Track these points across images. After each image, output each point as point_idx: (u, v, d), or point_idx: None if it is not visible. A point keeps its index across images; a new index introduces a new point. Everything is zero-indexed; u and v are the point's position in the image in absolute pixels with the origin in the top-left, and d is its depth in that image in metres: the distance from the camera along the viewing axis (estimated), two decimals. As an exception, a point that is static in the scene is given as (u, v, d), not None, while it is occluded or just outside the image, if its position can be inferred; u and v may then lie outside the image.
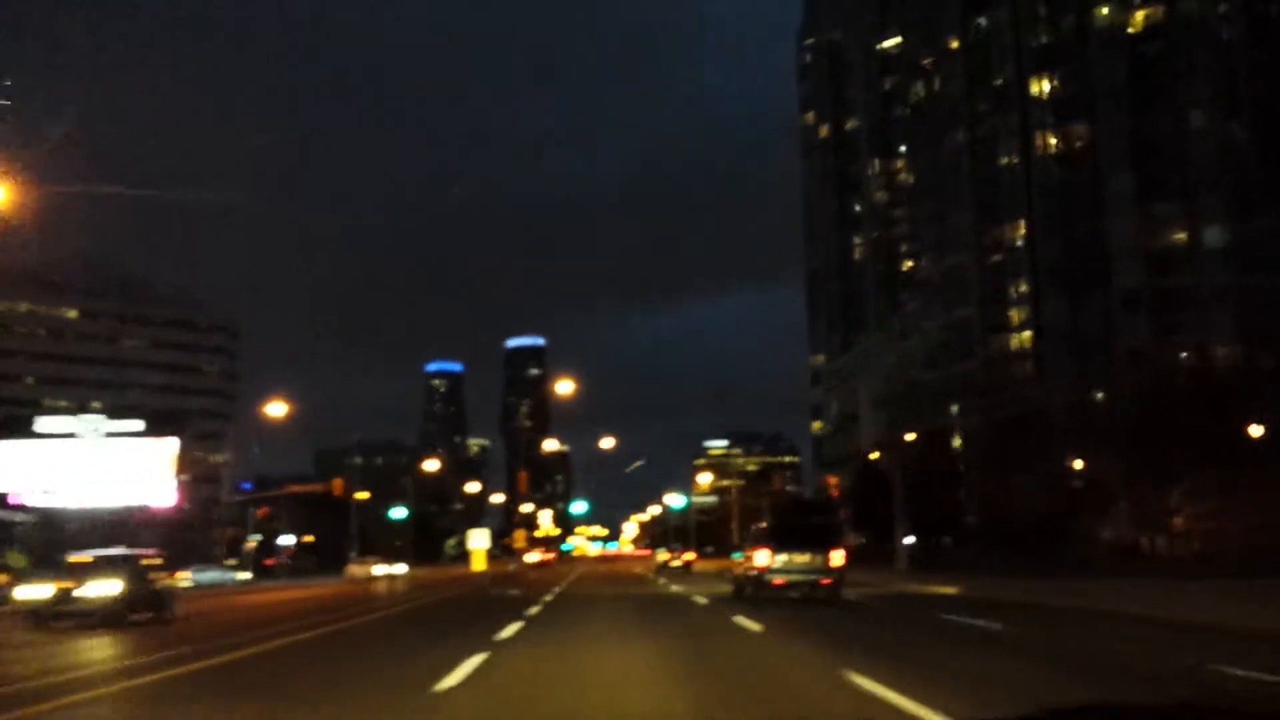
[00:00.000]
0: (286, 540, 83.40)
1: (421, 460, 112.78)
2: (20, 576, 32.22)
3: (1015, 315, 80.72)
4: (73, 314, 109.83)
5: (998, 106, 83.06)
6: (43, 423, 60.44)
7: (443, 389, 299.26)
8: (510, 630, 16.86)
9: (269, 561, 77.64)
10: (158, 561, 24.57)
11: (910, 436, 57.08)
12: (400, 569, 71.79)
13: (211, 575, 57.97)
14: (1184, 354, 58.96)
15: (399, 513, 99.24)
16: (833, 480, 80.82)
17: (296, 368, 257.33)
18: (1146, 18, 77.02)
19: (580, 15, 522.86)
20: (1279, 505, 35.25)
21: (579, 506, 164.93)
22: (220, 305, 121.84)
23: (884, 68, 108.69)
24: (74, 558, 23.34)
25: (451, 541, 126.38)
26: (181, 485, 60.99)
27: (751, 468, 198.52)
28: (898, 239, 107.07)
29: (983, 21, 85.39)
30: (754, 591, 25.21)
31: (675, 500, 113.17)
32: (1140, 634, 16.33)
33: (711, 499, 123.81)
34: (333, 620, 21.05)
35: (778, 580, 24.52)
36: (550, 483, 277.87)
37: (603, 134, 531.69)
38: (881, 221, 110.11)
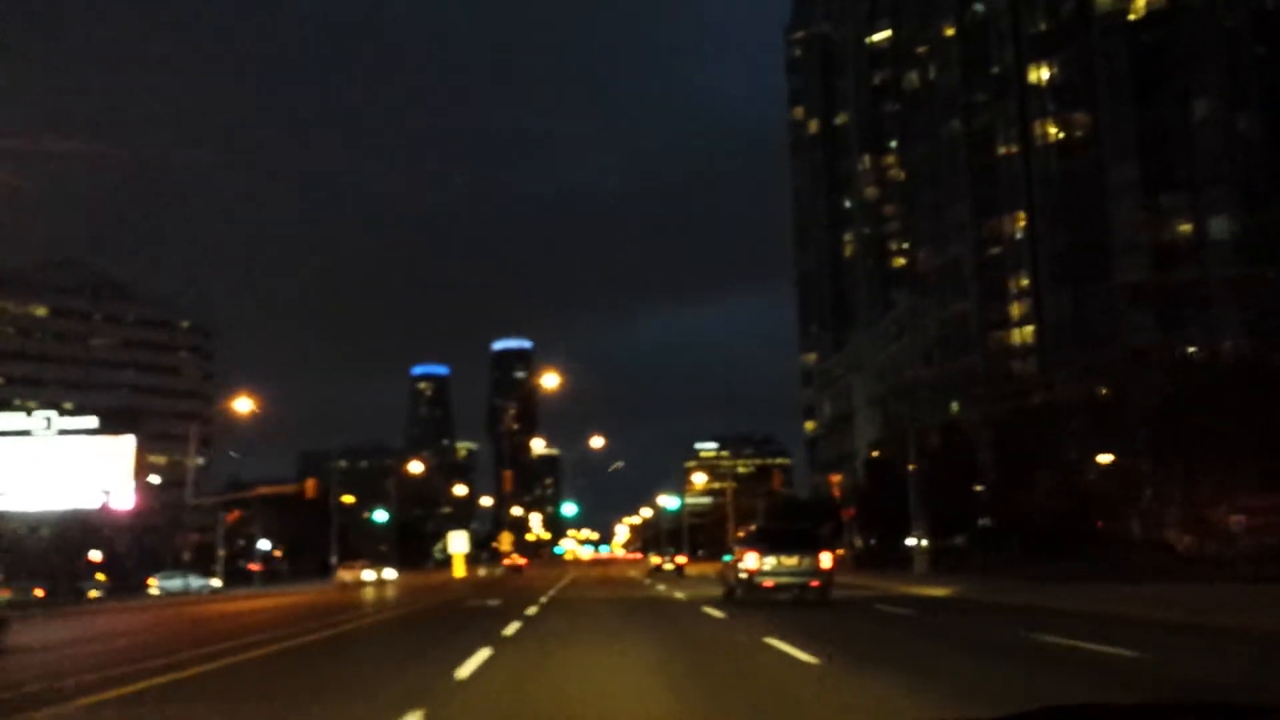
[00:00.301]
0: (264, 545, 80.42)
1: (405, 463, 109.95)
2: None
3: (1015, 309, 78.46)
4: (43, 312, 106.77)
5: (996, 95, 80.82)
6: (-5, 419, 57.04)
7: (429, 392, 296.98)
8: (473, 665, 12.59)
9: (253, 567, 74.65)
10: None
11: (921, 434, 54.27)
12: (390, 574, 69.19)
13: (177, 583, 55.36)
14: (1192, 349, 56.72)
15: (381, 516, 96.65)
16: (835, 479, 78.27)
17: (282, 372, 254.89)
18: (1149, 4, 74.64)
19: (580, 16, 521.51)
20: None
21: (569, 508, 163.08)
22: (196, 305, 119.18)
23: (875, 61, 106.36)
24: None
25: (439, 545, 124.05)
26: (142, 487, 57.82)
27: (743, 469, 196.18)
28: (889, 235, 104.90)
29: (979, 7, 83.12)
30: (744, 594, 25.30)
31: (668, 502, 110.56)
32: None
33: (706, 500, 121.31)
34: (278, 640, 18.24)
35: (767, 583, 24.66)
36: (540, 486, 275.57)
37: (602, 135, 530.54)
38: (873, 218, 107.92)
